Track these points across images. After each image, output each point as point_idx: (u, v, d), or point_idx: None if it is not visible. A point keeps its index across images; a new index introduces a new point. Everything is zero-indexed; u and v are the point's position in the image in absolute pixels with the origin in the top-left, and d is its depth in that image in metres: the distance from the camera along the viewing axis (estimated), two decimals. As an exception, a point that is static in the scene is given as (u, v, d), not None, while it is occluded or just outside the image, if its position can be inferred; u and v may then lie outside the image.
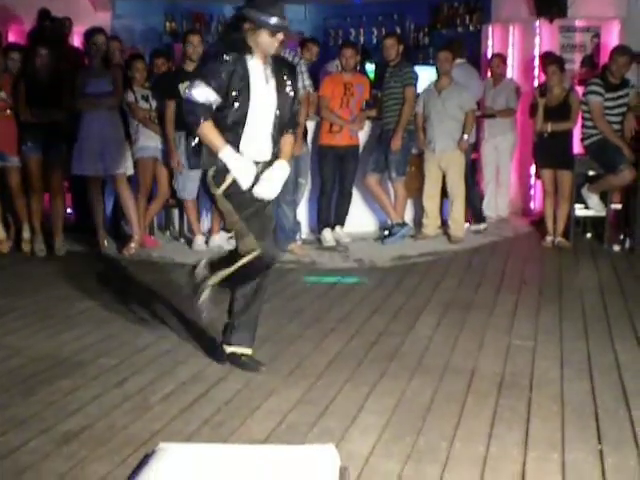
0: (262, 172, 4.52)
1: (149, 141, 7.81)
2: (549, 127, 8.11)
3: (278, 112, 4.54)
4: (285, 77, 4.59)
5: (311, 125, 8.12)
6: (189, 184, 7.82)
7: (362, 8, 12.76)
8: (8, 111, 7.47)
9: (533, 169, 9.10)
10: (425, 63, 11.33)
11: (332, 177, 8.23)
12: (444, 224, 8.74)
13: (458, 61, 9.04)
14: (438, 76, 8.46)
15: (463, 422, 4.07)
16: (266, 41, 4.41)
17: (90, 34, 7.80)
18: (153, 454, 2.36)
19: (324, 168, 8.20)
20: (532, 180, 9.51)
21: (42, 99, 7.42)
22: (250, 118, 4.46)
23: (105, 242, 7.90)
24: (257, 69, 4.47)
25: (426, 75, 8.90)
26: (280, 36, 4.45)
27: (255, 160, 4.51)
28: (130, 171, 7.78)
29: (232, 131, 4.45)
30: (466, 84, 8.70)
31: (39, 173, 7.57)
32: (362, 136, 8.50)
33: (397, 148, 8.19)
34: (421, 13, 12.66)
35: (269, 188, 4.52)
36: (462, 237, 8.42)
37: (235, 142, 4.45)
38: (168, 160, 7.79)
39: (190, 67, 7.64)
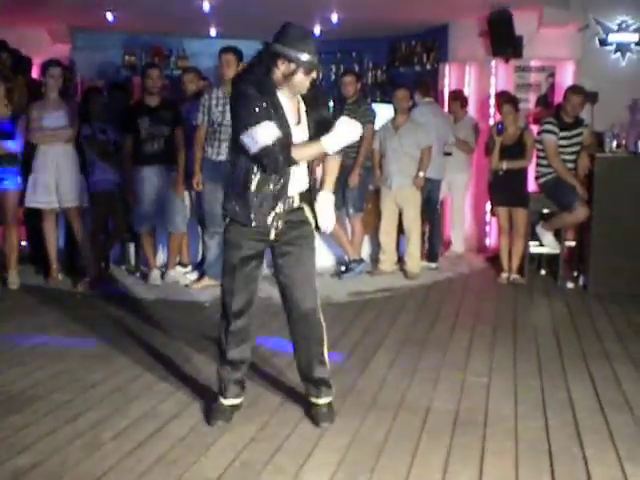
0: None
1: (105, 174, 7.78)
2: (504, 165, 8.21)
3: None
4: (311, 109, 4.33)
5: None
6: (145, 217, 7.78)
7: (320, 45, 12.71)
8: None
9: (488, 206, 9.19)
10: (383, 101, 11.43)
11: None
12: (400, 260, 8.78)
13: (426, 100, 9.14)
14: (395, 113, 8.54)
15: (417, 460, 4.06)
16: (300, 80, 4.14)
17: (46, 66, 7.77)
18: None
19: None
20: (487, 217, 9.61)
21: (-2, 131, 7.36)
22: None
23: (59, 276, 7.82)
24: (287, 107, 4.22)
25: (384, 112, 8.98)
26: (314, 74, 4.21)
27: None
28: (85, 204, 7.71)
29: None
30: (434, 123, 8.80)
31: (-7, 205, 7.48)
32: (319, 172, 8.49)
33: (354, 184, 8.23)
34: (379, 51, 12.78)
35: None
36: (418, 273, 8.47)
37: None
38: (125, 193, 7.76)
39: (149, 101, 7.65)
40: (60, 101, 7.59)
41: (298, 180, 4.37)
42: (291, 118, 4.22)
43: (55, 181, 7.49)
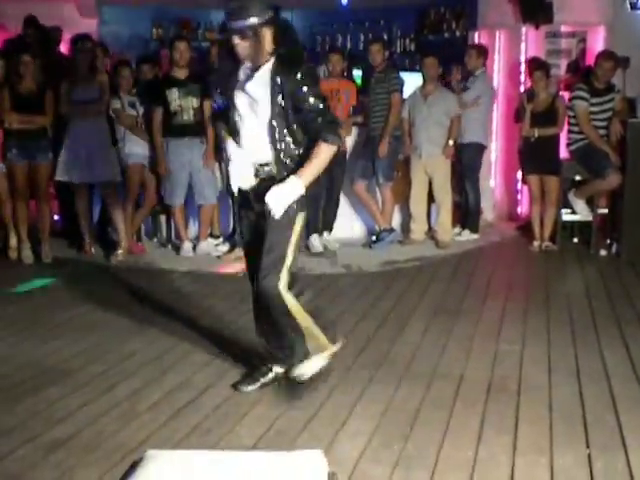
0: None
1: (136, 148, 7.80)
2: (536, 132, 8.14)
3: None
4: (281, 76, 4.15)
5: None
6: (177, 190, 7.81)
7: (349, 14, 12.75)
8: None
9: (519, 174, 9.11)
10: (412, 69, 11.35)
11: (319, 183, 8.21)
12: (431, 229, 8.75)
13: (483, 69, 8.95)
14: (424, 82, 8.48)
15: (451, 428, 4.07)
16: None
17: (76, 41, 7.79)
18: (141, 461, 2.36)
19: (311, 174, 8.17)
20: (519, 185, 9.53)
21: (26, 106, 7.39)
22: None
23: (92, 249, 7.88)
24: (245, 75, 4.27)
25: (412, 81, 8.92)
26: (235, 40, 4.12)
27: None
28: (117, 178, 7.75)
29: None
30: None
31: (25, 180, 7.54)
32: (349, 142, 8.50)
33: (384, 154, 8.19)
34: (408, 19, 12.65)
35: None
36: (449, 242, 8.43)
37: None
38: (155, 166, 7.79)
39: (178, 73, 7.65)
40: (90, 75, 7.61)
41: (249, 152, 4.26)
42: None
43: (86, 155, 7.52)
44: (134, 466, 2.34)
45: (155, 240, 8.54)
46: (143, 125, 7.81)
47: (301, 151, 4.21)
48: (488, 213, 9.59)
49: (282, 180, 4.12)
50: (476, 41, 10.33)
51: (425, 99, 8.36)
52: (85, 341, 5.41)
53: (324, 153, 4.13)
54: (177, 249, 8.07)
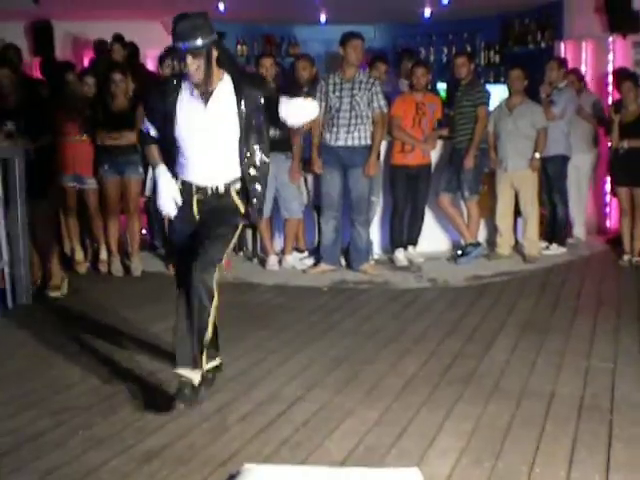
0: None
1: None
2: (626, 144, 8.00)
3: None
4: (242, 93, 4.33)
5: (383, 145, 8.11)
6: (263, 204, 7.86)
7: (431, 27, 12.72)
8: (85, 136, 7.64)
9: (609, 186, 8.94)
10: (496, 81, 11.26)
11: (404, 197, 8.22)
12: (517, 243, 8.65)
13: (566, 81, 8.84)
14: (509, 94, 8.40)
15: (543, 447, 4.00)
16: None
17: (163, 57, 7.95)
18: (238, 474, 2.39)
19: (396, 188, 8.19)
20: (608, 198, 9.36)
21: (117, 123, 7.57)
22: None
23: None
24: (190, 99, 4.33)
25: (497, 93, 8.84)
26: (188, 60, 4.16)
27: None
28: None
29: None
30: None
31: (116, 195, 7.72)
32: (434, 155, 8.47)
33: (470, 167, 8.15)
34: (492, 30, 12.57)
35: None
36: (537, 256, 8.32)
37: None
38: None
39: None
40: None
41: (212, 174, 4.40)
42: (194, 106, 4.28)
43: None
44: (231, 479, 2.37)
45: (241, 253, 8.63)
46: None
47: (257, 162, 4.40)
48: (578, 227, 9.38)
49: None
50: (562, 52, 10.22)
51: (511, 112, 8.28)
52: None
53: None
54: (263, 263, 8.14)
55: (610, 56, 9.61)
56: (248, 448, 4.01)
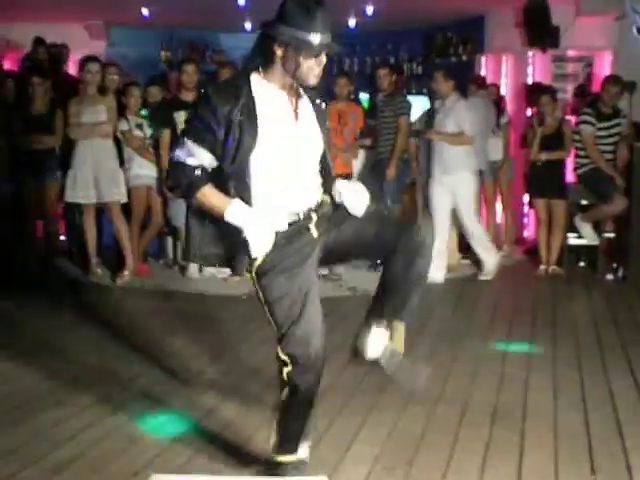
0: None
1: (143, 169, 7.82)
2: (544, 156, 8.15)
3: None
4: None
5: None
6: (183, 212, 7.81)
7: (356, 37, 12.81)
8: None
9: (526, 198, 9.10)
10: (419, 92, 11.37)
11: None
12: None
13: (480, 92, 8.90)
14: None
15: (456, 453, 4.05)
16: (307, 66, 3.23)
17: (85, 62, 7.84)
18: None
19: (318, 196, 8.19)
20: (525, 209, 9.53)
21: (36, 127, 7.44)
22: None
23: (98, 270, 7.88)
24: (278, 106, 3.31)
25: (419, 104, 8.93)
26: (323, 58, 3.27)
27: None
28: (124, 199, 7.77)
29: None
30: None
31: (33, 200, 7.58)
32: (356, 165, 8.51)
33: (392, 177, 8.22)
34: (415, 43, 12.72)
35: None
36: (456, 265, 8.42)
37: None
38: (162, 188, 7.80)
39: (186, 96, 7.67)
40: (98, 97, 7.64)
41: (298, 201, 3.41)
42: (284, 117, 3.31)
43: (94, 176, 7.55)
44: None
45: (161, 261, 8.55)
46: (150, 147, 7.83)
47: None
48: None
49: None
50: (483, 65, 10.38)
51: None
52: (82, 363, 5.41)
53: None
54: (183, 270, 8.08)
55: (530, 70, 9.81)
56: (161, 458, 3.97)
